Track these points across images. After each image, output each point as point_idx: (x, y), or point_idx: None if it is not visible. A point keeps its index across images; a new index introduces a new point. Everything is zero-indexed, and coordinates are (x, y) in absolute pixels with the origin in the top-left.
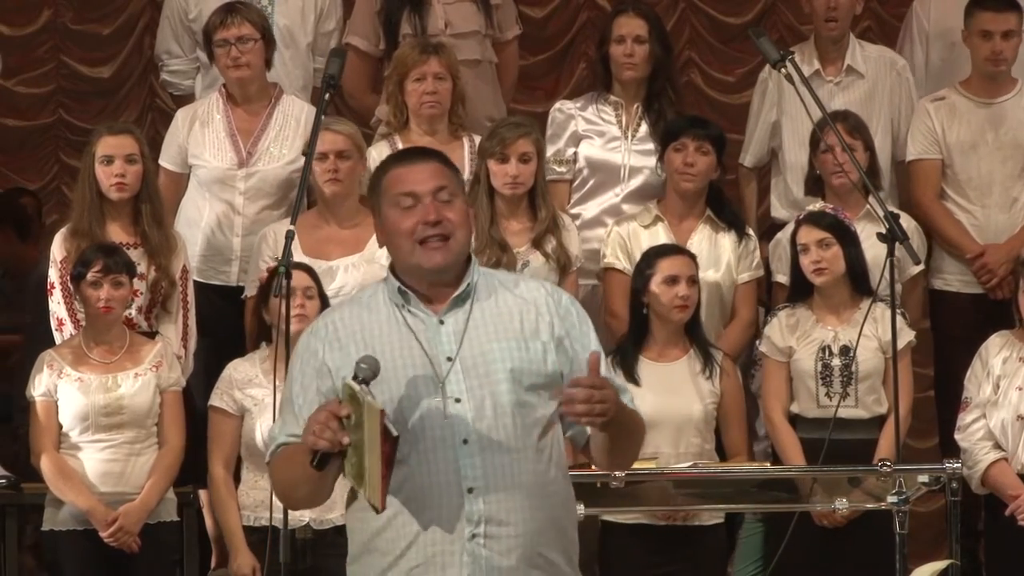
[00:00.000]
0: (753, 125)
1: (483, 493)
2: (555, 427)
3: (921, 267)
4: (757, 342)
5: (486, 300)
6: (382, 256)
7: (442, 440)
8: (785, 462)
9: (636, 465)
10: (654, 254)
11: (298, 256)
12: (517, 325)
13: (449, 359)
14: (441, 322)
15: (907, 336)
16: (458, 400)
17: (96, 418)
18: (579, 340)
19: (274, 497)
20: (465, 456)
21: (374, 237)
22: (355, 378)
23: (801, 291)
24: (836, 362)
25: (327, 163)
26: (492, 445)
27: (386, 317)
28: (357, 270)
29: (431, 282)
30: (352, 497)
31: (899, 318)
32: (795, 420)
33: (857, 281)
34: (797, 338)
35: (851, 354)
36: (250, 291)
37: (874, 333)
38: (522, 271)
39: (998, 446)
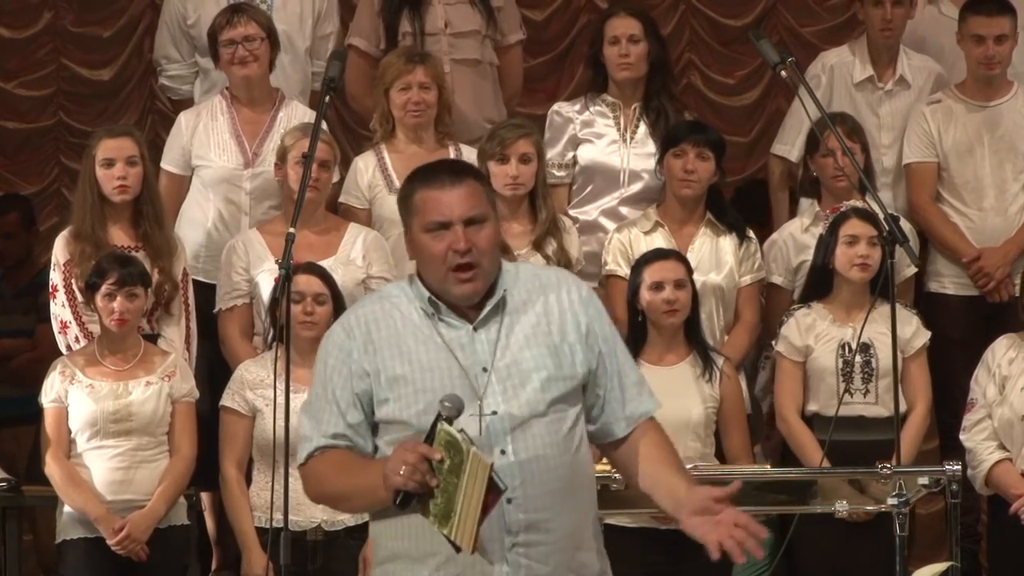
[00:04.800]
0: (802, 120)
1: (522, 502)
2: (581, 424)
3: (915, 269)
4: (772, 343)
5: (517, 306)
6: (358, 258)
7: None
8: (804, 460)
9: None
10: (641, 261)
11: (269, 261)
12: (546, 328)
13: (485, 370)
14: (475, 330)
15: (923, 337)
16: (495, 412)
17: (105, 424)
18: (600, 333)
19: (276, 498)
20: (503, 467)
21: (345, 239)
22: (440, 417)
23: (820, 288)
24: (857, 359)
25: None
26: (529, 454)
27: (418, 324)
28: (336, 273)
29: (464, 303)
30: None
31: (915, 319)
32: (813, 420)
33: (877, 283)
34: (815, 336)
35: (871, 351)
36: (223, 304)
37: (890, 332)
38: None
39: (1002, 446)
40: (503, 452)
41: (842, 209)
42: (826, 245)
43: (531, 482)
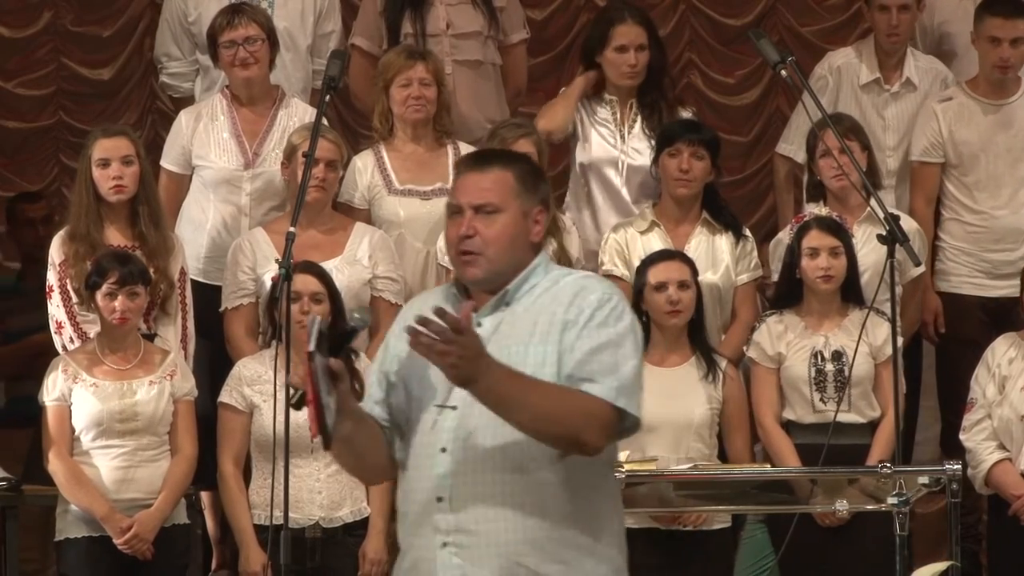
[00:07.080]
0: (807, 119)
1: (452, 503)
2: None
3: (922, 269)
4: (744, 348)
5: (523, 303)
6: (364, 258)
7: (426, 447)
8: (781, 466)
9: (635, 467)
10: (646, 262)
11: (274, 260)
12: (530, 328)
13: None
14: (479, 324)
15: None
16: (454, 408)
17: (110, 424)
18: (572, 324)
19: (276, 496)
20: (439, 465)
21: (351, 239)
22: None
23: (790, 296)
24: (829, 367)
25: (316, 169)
26: (468, 456)
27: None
28: (341, 273)
29: (476, 289)
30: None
31: (887, 325)
32: (789, 427)
33: (848, 289)
34: (787, 344)
35: (843, 359)
36: (229, 303)
37: (864, 339)
38: None
39: (1002, 446)
40: (443, 450)
41: (805, 218)
42: (792, 254)
43: (464, 483)
